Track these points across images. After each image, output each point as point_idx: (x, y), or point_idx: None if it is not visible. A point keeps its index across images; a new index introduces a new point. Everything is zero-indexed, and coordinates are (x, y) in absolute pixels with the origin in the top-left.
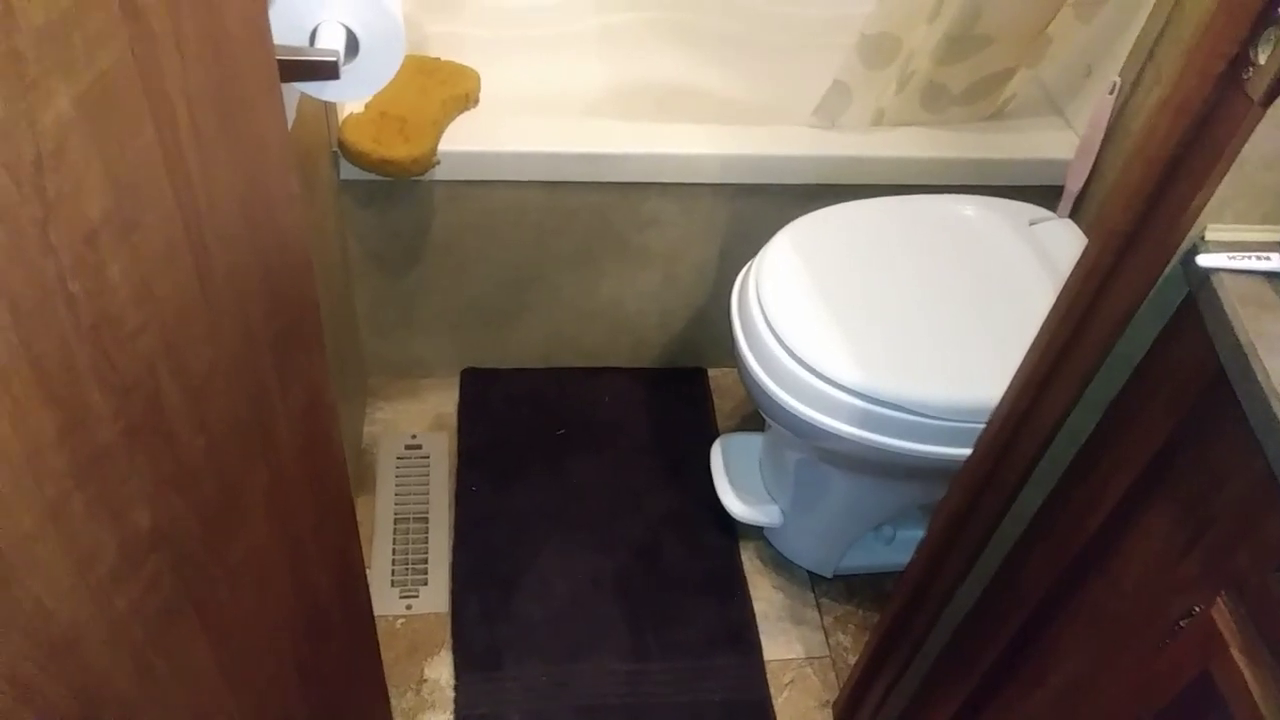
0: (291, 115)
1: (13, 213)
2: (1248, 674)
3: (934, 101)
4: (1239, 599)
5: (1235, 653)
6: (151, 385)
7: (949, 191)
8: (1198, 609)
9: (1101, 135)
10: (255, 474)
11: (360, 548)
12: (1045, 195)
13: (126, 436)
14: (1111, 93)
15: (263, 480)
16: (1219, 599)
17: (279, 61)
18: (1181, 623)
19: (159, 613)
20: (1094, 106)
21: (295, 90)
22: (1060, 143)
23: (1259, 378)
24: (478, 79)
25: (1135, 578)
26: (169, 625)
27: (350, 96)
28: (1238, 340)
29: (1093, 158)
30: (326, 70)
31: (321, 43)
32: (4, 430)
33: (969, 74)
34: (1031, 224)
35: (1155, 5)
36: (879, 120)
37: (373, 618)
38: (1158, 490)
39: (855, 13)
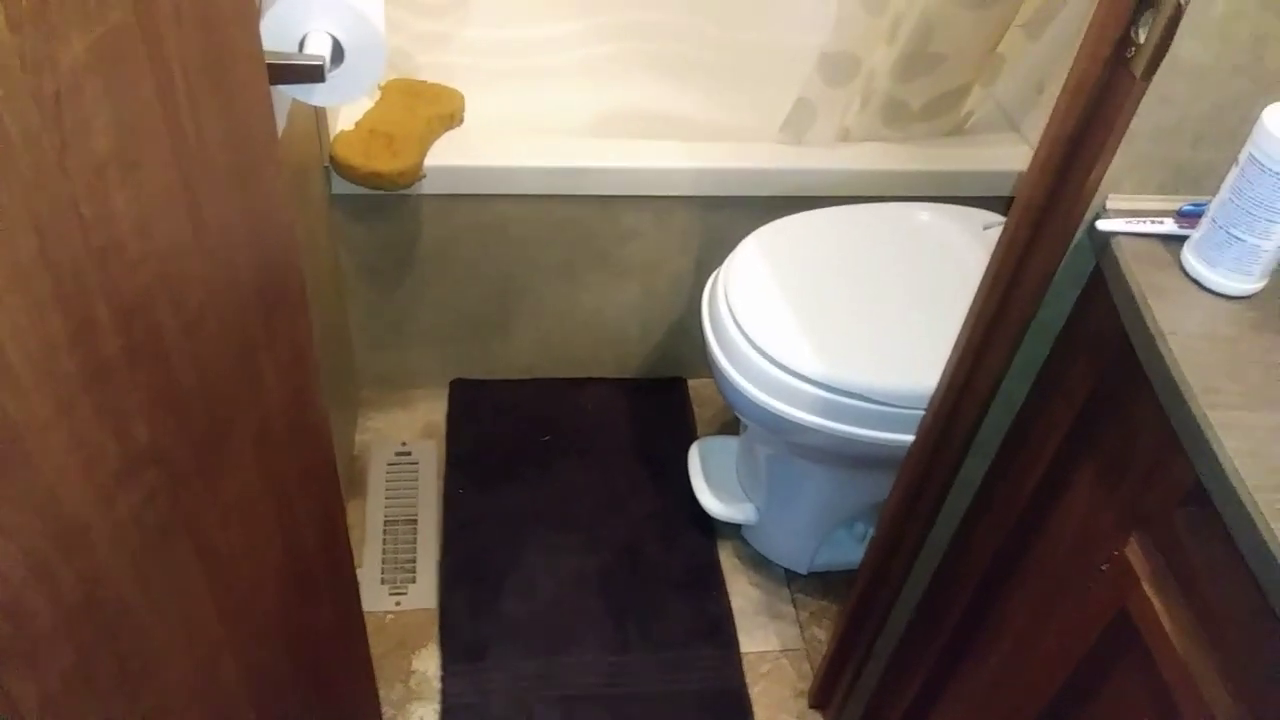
0: (282, 122)
1: (37, 138)
2: (1157, 603)
3: (895, 118)
4: (1149, 538)
5: (1146, 586)
6: (150, 313)
7: (911, 202)
8: (1116, 553)
9: None
10: (244, 416)
11: (344, 518)
12: (1005, 206)
13: (128, 354)
14: None
15: (251, 425)
16: (1132, 539)
17: (269, 65)
18: (1102, 567)
19: (156, 527)
20: (1047, 120)
21: (286, 97)
22: (1017, 156)
23: (1147, 322)
24: (462, 99)
25: (1068, 535)
26: (165, 541)
27: (336, 101)
28: (1131, 292)
29: None
30: (313, 74)
31: (309, 49)
32: (23, 325)
33: (926, 91)
34: (986, 228)
35: None
36: (845, 137)
37: (357, 594)
38: (1082, 448)
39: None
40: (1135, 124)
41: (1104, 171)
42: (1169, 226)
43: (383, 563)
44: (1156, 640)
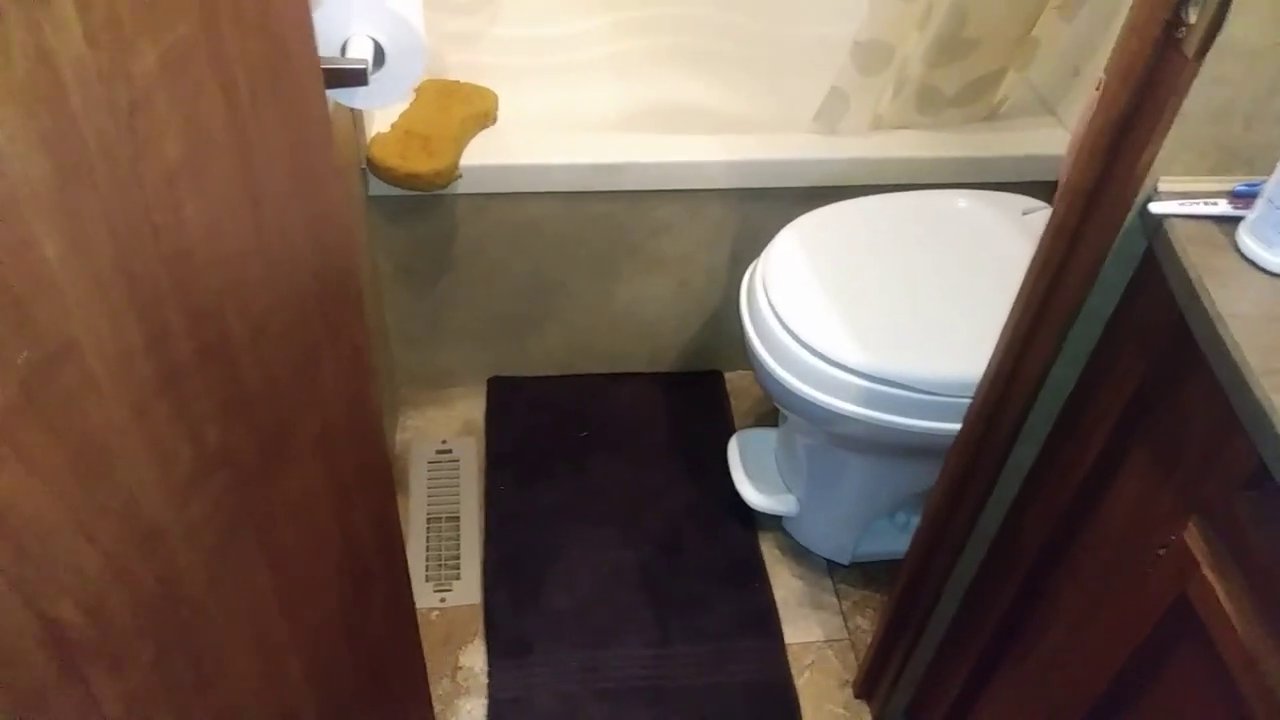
0: None
1: (113, 148)
2: (1219, 589)
3: (929, 105)
4: (1208, 522)
5: (1207, 571)
6: (219, 317)
7: (948, 189)
8: (1173, 538)
9: None
10: (306, 415)
11: (397, 514)
12: (1042, 191)
13: (199, 358)
14: (1098, 89)
15: (312, 423)
16: (1190, 524)
17: None
18: (1160, 552)
19: (226, 528)
20: (1083, 103)
21: (328, 99)
22: (1054, 140)
23: (1205, 304)
24: (495, 98)
25: (1120, 521)
26: (234, 542)
27: (377, 103)
28: (1187, 274)
29: None
30: (356, 77)
31: (352, 53)
32: (103, 331)
33: (960, 76)
34: (1025, 214)
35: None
36: (877, 125)
37: (410, 588)
38: (1135, 434)
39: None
40: (1187, 105)
41: (1155, 154)
42: (1223, 208)
43: (427, 560)
44: (1218, 624)
